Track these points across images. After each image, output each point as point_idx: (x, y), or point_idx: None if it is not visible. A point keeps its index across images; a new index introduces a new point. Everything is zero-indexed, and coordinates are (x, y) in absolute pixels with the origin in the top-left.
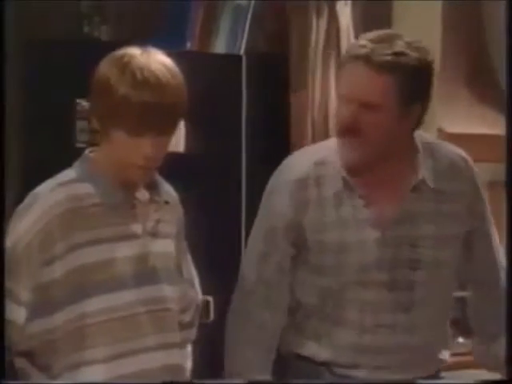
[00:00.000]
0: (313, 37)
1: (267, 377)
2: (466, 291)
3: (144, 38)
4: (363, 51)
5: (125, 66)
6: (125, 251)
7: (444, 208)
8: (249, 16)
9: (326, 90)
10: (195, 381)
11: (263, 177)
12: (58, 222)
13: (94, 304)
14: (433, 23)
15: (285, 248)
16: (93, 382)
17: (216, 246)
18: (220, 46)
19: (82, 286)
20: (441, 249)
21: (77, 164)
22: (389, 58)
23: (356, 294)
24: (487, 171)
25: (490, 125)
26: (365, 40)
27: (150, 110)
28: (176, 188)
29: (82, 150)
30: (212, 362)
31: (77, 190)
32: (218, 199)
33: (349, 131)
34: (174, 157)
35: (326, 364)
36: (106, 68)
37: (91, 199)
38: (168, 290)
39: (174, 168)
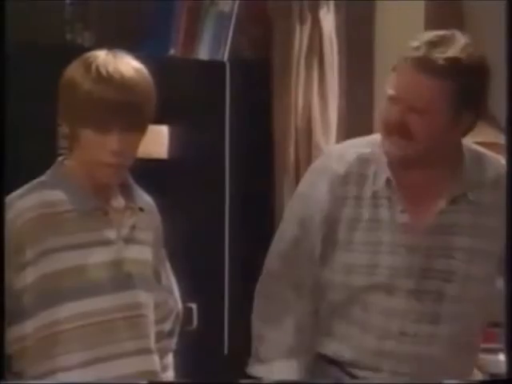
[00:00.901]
0: (296, 42)
1: (293, 362)
2: None
3: (127, 45)
4: (415, 54)
5: (90, 63)
6: (98, 257)
7: (483, 221)
8: (232, 22)
9: (309, 95)
10: (186, 381)
11: (247, 182)
12: (29, 228)
13: (67, 310)
14: (415, 31)
15: (316, 240)
16: (93, 382)
17: (199, 253)
18: (203, 53)
19: (54, 291)
20: (476, 264)
21: (49, 171)
22: (441, 63)
23: (382, 299)
24: None
25: (472, 132)
26: (419, 41)
27: (113, 106)
28: (159, 194)
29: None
30: (195, 369)
31: (49, 197)
32: (201, 205)
33: (395, 131)
34: (158, 163)
35: (346, 364)
36: (71, 68)
37: (63, 206)
38: (143, 297)
39: (157, 174)
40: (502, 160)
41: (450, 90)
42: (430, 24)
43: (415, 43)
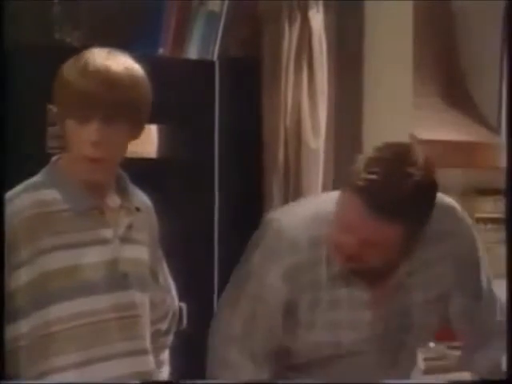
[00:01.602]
0: (285, 42)
1: None
2: None
3: (117, 44)
4: (365, 187)
5: (81, 59)
6: (94, 256)
7: (432, 273)
8: (221, 22)
9: (299, 95)
10: (185, 381)
11: (236, 181)
12: (24, 227)
13: (62, 310)
14: (404, 32)
15: (276, 323)
16: (93, 381)
17: (188, 253)
18: (193, 52)
19: (49, 291)
20: (428, 312)
21: (44, 170)
22: (390, 203)
23: (346, 362)
24: (458, 176)
25: (461, 132)
26: (369, 171)
27: (94, 98)
28: (148, 193)
29: (52, 156)
30: (185, 368)
31: (43, 196)
32: (191, 205)
33: (349, 259)
34: (147, 162)
35: None
36: (65, 64)
37: (59, 205)
38: (139, 297)
39: (147, 173)
40: (444, 200)
41: (400, 228)
42: (419, 23)
43: (363, 174)
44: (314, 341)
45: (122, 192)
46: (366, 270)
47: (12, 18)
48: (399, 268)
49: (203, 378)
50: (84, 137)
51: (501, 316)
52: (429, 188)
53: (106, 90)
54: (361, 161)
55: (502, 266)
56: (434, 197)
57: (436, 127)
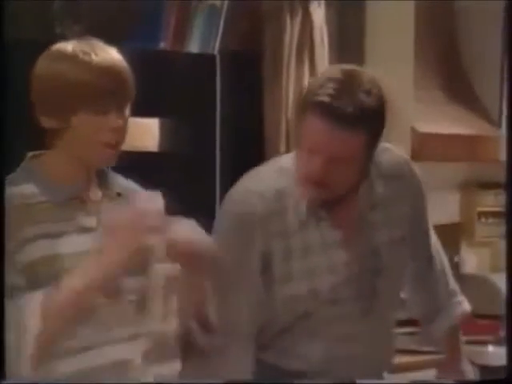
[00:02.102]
0: (287, 36)
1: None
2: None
3: (117, 39)
4: (325, 102)
5: (72, 53)
6: (79, 245)
7: (391, 213)
8: (222, 15)
9: (300, 89)
10: (187, 381)
11: (237, 175)
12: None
13: None
14: (406, 25)
15: (253, 279)
16: (93, 382)
17: None
18: (194, 46)
19: (32, 281)
20: (394, 252)
21: (19, 168)
22: (351, 112)
23: (327, 311)
24: (459, 170)
25: (462, 125)
26: (326, 87)
27: (110, 88)
28: (149, 187)
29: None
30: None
31: (22, 190)
32: (192, 199)
33: (314, 181)
34: (148, 156)
35: (296, 373)
36: (47, 63)
37: (36, 198)
38: (127, 282)
39: (148, 167)
40: (394, 151)
41: (362, 137)
42: (421, 17)
43: (323, 89)
44: (292, 294)
45: (101, 180)
46: (332, 203)
47: (12, 13)
48: (361, 201)
49: None
50: (104, 126)
51: (448, 280)
52: (381, 101)
53: (118, 80)
54: (313, 83)
55: (504, 261)
56: (385, 112)
57: (437, 121)
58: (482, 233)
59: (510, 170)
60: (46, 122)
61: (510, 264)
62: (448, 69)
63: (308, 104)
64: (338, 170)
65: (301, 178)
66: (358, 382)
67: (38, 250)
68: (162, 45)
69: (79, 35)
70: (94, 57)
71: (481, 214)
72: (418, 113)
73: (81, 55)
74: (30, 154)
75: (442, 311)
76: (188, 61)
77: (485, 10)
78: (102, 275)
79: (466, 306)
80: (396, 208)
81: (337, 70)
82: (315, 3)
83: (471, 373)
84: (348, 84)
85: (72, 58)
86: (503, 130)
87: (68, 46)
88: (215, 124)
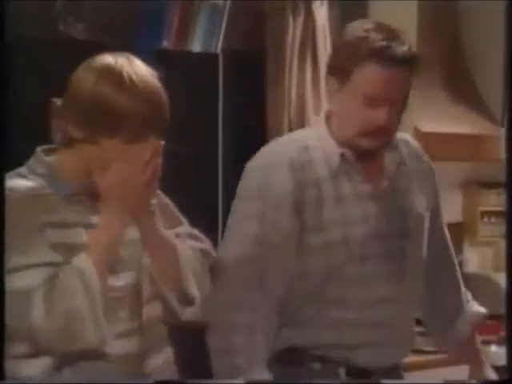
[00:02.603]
0: (289, 35)
1: (263, 368)
2: None
3: (121, 37)
4: (383, 46)
5: (119, 76)
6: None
7: (416, 184)
8: (225, 15)
9: (303, 87)
10: (189, 381)
11: (240, 174)
12: (13, 208)
13: None
14: (408, 24)
15: (286, 228)
16: (91, 382)
17: None
18: (197, 45)
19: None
20: (418, 224)
21: (29, 162)
22: (407, 54)
23: (357, 270)
24: (462, 170)
25: (465, 125)
26: (374, 35)
27: (149, 119)
28: None
29: (56, 148)
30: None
31: (30, 182)
32: (194, 198)
33: (379, 131)
34: None
35: (323, 349)
36: (94, 80)
37: (45, 190)
38: (133, 278)
39: None
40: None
41: (410, 78)
42: (424, 16)
43: (375, 36)
44: (324, 242)
45: None
46: (366, 156)
47: (15, 11)
48: (389, 159)
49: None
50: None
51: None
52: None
53: (159, 109)
54: (356, 33)
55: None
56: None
57: (440, 120)
58: (484, 232)
59: (510, 169)
60: (74, 132)
61: (510, 264)
62: (451, 68)
63: (363, 53)
64: (395, 115)
65: (363, 129)
66: (382, 382)
67: (54, 237)
68: (165, 44)
69: (82, 34)
70: (138, 84)
71: (483, 214)
72: (421, 112)
73: (127, 81)
74: (39, 148)
75: (460, 316)
76: (191, 60)
77: (488, 9)
78: (105, 242)
79: (481, 309)
80: (419, 182)
81: (369, 22)
82: (318, 3)
83: (494, 375)
84: (389, 29)
85: (118, 82)
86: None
87: (114, 65)
88: (217, 123)
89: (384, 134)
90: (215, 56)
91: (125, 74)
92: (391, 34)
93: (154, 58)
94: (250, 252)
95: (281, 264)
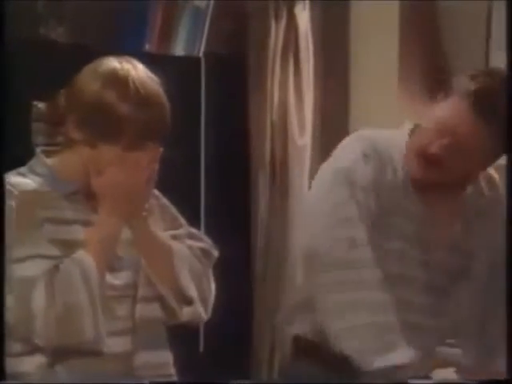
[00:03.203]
0: (271, 39)
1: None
2: None
3: (102, 40)
4: (478, 91)
5: (124, 83)
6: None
7: (488, 234)
8: (207, 18)
9: (285, 91)
10: (187, 381)
11: (222, 176)
12: (16, 204)
13: None
14: (390, 27)
15: (369, 209)
16: (89, 382)
17: None
18: (179, 48)
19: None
20: (486, 269)
21: (29, 164)
22: (493, 105)
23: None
24: None
25: None
26: (478, 79)
27: (150, 125)
28: None
29: (56, 150)
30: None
31: (29, 180)
32: (177, 198)
33: (429, 159)
34: None
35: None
36: (98, 86)
37: (44, 188)
38: (131, 277)
39: None
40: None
41: (493, 134)
42: (405, 21)
43: (475, 81)
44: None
45: None
46: (435, 192)
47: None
48: (468, 204)
49: (187, 374)
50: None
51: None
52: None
53: (160, 117)
54: (463, 76)
55: None
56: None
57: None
58: None
59: (510, 174)
60: (74, 133)
61: (510, 264)
62: (433, 70)
63: (458, 89)
64: (456, 156)
65: (415, 149)
66: (409, 381)
67: (54, 232)
68: (147, 47)
69: (64, 37)
70: (142, 92)
71: None
72: (403, 115)
73: (132, 89)
74: (39, 149)
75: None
76: (173, 63)
77: (468, 9)
78: (102, 240)
79: None
80: (490, 235)
81: (485, 68)
82: (300, 6)
83: None
84: (492, 81)
85: (123, 89)
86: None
87: (120, 71)
88: (200, 126)
89: (436, 167)
90: (197, 60)
91: (130, 82)
92: (491, 85)
93: (136, 60)
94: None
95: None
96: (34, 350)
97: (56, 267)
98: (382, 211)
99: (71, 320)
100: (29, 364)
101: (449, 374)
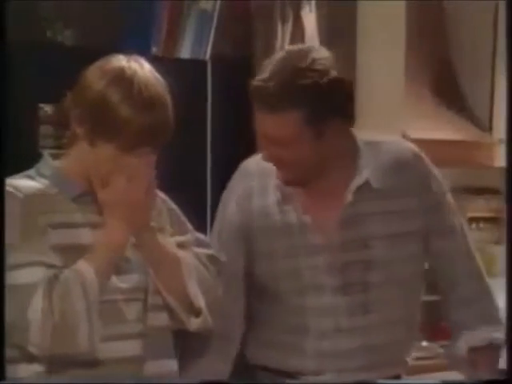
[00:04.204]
0: (278, 42)
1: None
2: (434, 295)
3: (109, 44)
4: (255, 94)
5: (129, 84)
6: (91, 238)
7: (392, 206)
8: (214, 21)
9: None
10: (188, 381)
11: (229, 180)
12: (21, 207)
13: None
14: (396, 28)
15: (236, 256)
16: (90, 382)
17: None
18: (185, 51)
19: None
20: (394, 248)
21: (36, 167)
22: (278, 95)
23: (313, 300)
24: (450, 176)
25: (453, 131)
26: (256, 81)
27: (150, 130)
28: None
29: (63, 153)
30: None
31: (37, 183)
32: (183, 204)
33: (275, 166)
34: None
35: (293, 374)
36: (104, 83)
37: (51, 190)
38: (142, 280)
39: None
40: (404, 144)
41: (299, 114)
42: (412, 23)
43: (254, 82)
44: (273, 271)
45: None
46: (305, 187)
47: (2, 17)
48: (345, 187)
49: None
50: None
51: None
52: (324, 79)
53: (160, 123)
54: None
55: (496, 266)
56: (337, 92)
57: (428, 126)
58: (473, 238)
59: (510, 174)
60: (77, 128)
61: (510, 265)
62: (439, 73)
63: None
64: (285, 150)
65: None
66: (378, 381)
67: (59, 237)
68: (154, 50)
69: (70, 40)
70: (145, 95)
71: (472, 220)
72: (409, 118)
73: (135, 90)
74: (47, 154)
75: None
76: (179, 66)
77: (475, 10)
78: (110, 250)
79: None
80: (396, 201)
81: (278, 54)
82: (306, 9)
83: None
84: (284, 63)
85: (127, 90)
86: (494, 136)
87: (126, 71)
88: (206, 129)
89: (281, 168)
90: (204, 62)
91: (135, 83)
92: (279, 70)
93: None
94: None
95: (238, 289)
96: (30, 357)
97: (56, 276)
98: None
99: (66, 331)
100: (26, 371)
101: (450, 374)
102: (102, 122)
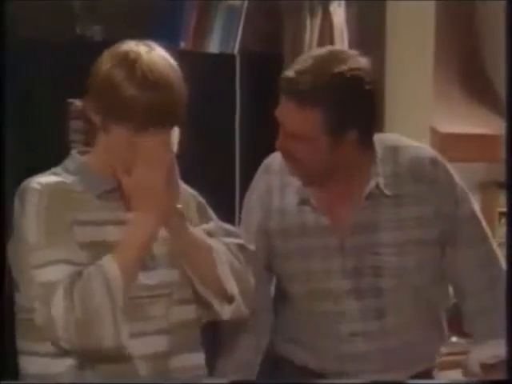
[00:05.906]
0: (307, 36)
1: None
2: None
3: (138, 38)
4: (286, 84)
5: (133, 64)
6: (118, 235)
7: (405, 213)
8: (242, 15)
9: None
10: (217, 380)
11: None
12: (47, 203)
13: None
14: (426, 24)
15: (260, 250)
16: (92, 382)
17: None
18: (214, 46)
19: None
20: (406, 254)
21: (64, 163)
22: (308, 92)
23: (326, 304)
24: (480, 171)
25: (483, 125)
26: (291, 71)
27: (155, 109)
28: None
29: (90, 150)
30: None
31: (64, 179)
32: (211, 201)
33: (283, 156)
34: None
35: (318, 372)
36: (110, 66)
37: (78, 188)
38: (165, 277)
39: None
40: (423, 150)
41: (323, 115)
42: (441, 17)
43: (287, 73)
44: (289, 272)
45: None
46: (318, 187)
47: (31, 15)
48: (357, 191)
49: None
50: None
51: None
52: (352, 91)
53: (166, 99)
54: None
55: None
56: (363, 102)
57: (457, 121)
58: (502, 234)
59: (510, 171)
60: (93, 117)
61: (510, 264)
62: (469, 68)
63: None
64: (300, 147)
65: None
66: (410, 381)
67: (85, 235)
68: (183, 45)
69: (100, 36)
70: (149, 75)
71: (502, 215)
72: (438, 113)
73: (138, 71)
74: (74, 151)
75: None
76: (208, 61)
77: (505, 8)
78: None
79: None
80: (411, 209)
81: (319, 51)
82: (335, 3)
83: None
84: (315, 67)
85: (130, 71)
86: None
87: (130, 50)
88: (234, 124)
89: (290, 162)
90: (232, 57)
91: (138, 64)
92: (311, 68)
93: (172, 58)
94: None
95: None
96: (64, 352)
97: (79, 273)
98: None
99: (89, 327)
100: (59, 366)
101: (451, 374)
102: (110, 104)
